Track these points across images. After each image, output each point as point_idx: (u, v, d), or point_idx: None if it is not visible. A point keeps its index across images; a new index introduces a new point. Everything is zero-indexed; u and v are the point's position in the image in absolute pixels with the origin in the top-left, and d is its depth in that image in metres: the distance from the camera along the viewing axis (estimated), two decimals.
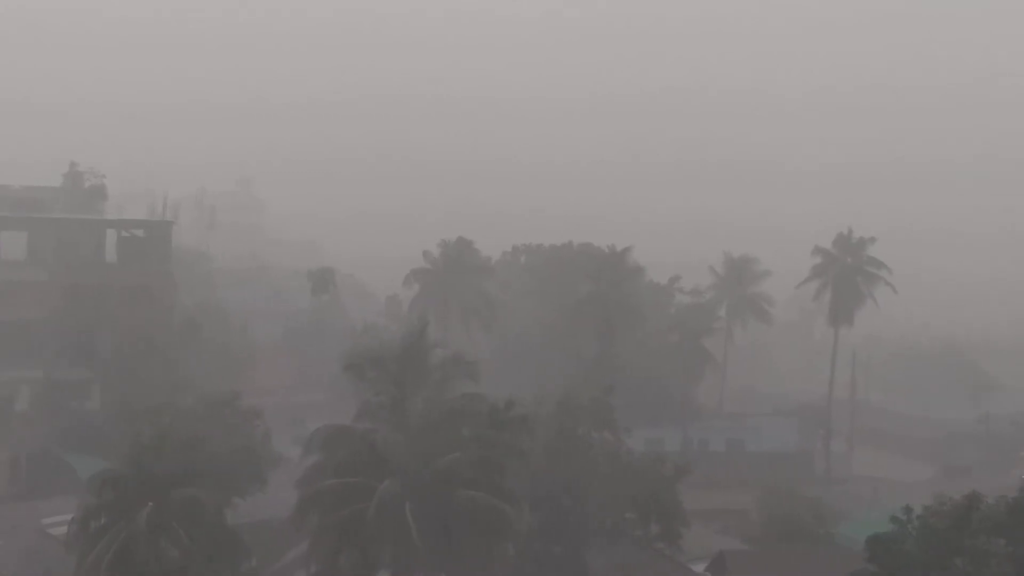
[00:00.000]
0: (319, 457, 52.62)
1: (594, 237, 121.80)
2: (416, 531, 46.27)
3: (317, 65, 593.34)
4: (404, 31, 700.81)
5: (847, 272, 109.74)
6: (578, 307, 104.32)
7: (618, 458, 64.31)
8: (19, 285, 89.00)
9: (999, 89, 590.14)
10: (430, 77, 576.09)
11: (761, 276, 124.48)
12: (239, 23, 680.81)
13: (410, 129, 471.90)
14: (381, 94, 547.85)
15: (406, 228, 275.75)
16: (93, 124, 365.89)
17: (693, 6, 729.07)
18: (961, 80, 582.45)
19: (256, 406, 67.77)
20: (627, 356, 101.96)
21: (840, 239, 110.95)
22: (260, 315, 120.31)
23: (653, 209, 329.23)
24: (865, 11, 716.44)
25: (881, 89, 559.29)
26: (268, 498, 59.80)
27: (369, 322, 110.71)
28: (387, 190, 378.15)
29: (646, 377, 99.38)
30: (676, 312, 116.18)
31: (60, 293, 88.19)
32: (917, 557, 36.98)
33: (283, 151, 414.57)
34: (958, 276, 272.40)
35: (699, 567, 58.97)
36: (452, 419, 51.62)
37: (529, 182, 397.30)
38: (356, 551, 48.22)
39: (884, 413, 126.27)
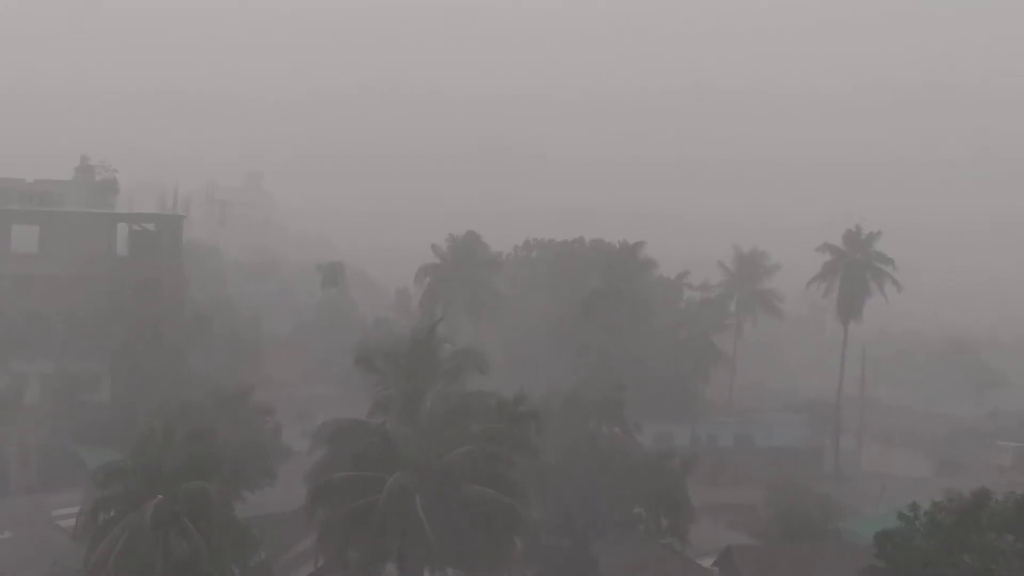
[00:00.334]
0: (326, 450, 52.80)
1: (601, 233, 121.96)
2: (428, 523, 46.35)
3: (327, 59, 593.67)
4: (413, 27, 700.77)
5: (856, 268, 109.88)
6: (588, 302, 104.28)
7: (627, 453, 64.38)
8: (31, 278, 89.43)
9: (999, 89, 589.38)
10: (440, 73, 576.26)
11: (771, 270, 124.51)
12: (249, 17, 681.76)
13: (420, 125, 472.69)
14: (390, 89, 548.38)
15: (415, 223, 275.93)
16: (103, 118, 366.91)
17: (693, 6, 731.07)
18: (961, 80, 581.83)
19: (266, 400, 67.98)
20: (636, 351, 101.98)
21: (849, 235, 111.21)
22: (270, 309, 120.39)
23: (655, 207, 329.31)
24: (865, 11, 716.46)
25: (881, 89, 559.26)
26: (276, 491, 59.96)
27: (379, 316, 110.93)
28: (397, 185, 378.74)
29: (655, 372, 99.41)
30: (686, 308, 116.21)
31: (71, 286, 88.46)
32: (926, 553, 37.01)
33: (293, 146, 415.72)
34: (960, 274, 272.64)
35: (707, 562, 58.98)
36: (462, 413, 51.69)
37: (537, 179, 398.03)
38: (365, 543, 48.35)
39: (892, 409, 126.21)
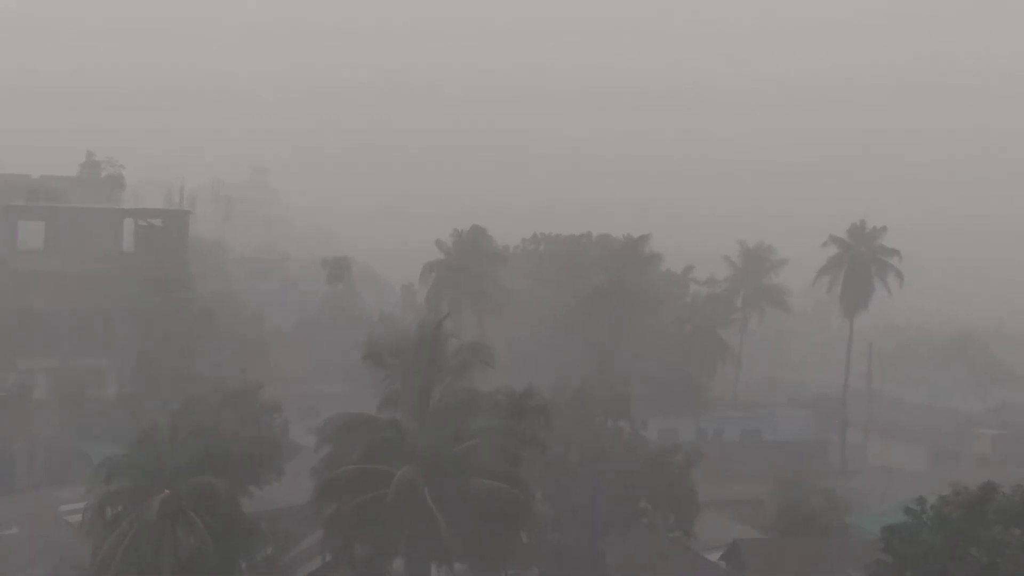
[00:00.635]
0: (332, 445, 52.85)
1: (607, 229, 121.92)
2: (437, 517, 46.38)
3: (330, 55, 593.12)
4: (417, 23, 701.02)
5: (861, 261, 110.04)
6: (593, 297, 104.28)
7: (634, 448, 64.44)
8: (37, 274, 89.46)
9: (999, 88, 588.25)
10: (445, 69, 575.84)
11: (778, 265, 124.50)
12: (251, 13, 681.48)
13: (424, 120, 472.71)
14: (394, 85, 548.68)
15: (421, 218, 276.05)
16: (106, 115, 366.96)
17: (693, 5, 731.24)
18: (961, 80, 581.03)
19: (273, 397, 68.04)
20: (643, 346, 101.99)
21: (854, 229, 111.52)
22: (275, 305, 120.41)
23: (661, 203, 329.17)
24: (866, 11, 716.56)
25: (881, 89, 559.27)
26: (283, 487, 59.98)
27: (385, 312, 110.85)
28: (401, 181, 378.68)
29: (661, 367, 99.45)
30: (692, 302, 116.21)
31: (78, 282, 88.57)
32: (932, 547, 36.99)
33: (297, 142, 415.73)
34: (966, 268, 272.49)
35: (713, 556, 59.02)
36: (470, 408, 51.70)
37: (541, 174, 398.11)
38: (373, 537, 48.39)
39: (898, 403, 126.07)
